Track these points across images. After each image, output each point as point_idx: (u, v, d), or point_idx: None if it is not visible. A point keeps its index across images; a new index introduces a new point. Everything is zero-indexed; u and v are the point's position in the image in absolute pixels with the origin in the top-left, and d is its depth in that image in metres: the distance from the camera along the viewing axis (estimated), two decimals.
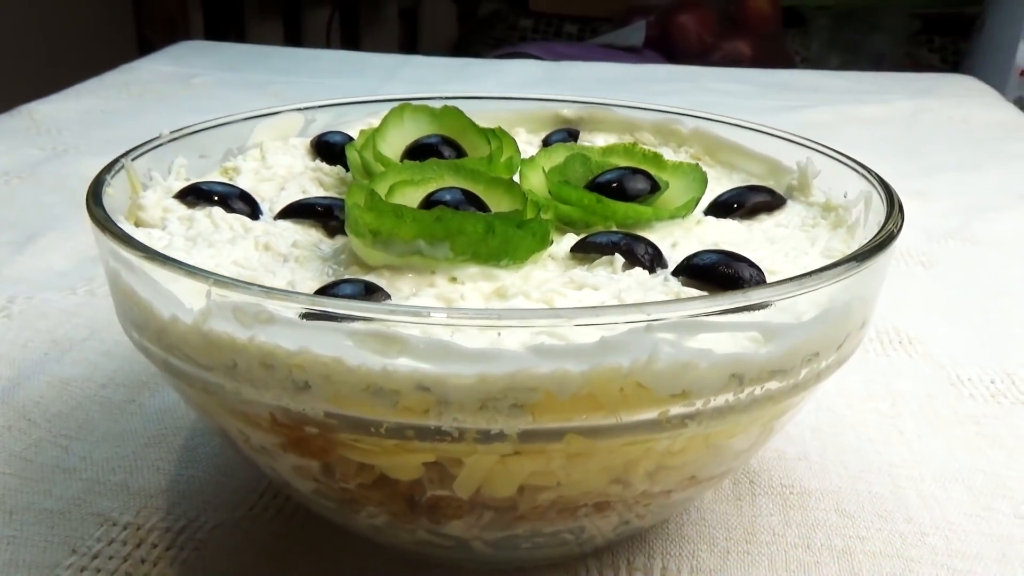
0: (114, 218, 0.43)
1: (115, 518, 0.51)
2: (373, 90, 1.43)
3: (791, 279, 0.37)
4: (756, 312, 0.36)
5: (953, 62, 2.87)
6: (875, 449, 0.59)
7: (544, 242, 0.45)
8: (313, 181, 0.57)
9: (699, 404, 0.37)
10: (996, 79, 2.16)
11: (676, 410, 0.36)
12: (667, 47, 2.67)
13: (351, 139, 0.61)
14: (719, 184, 0.58)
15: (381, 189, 0.47)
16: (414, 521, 0.42)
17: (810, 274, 0.37)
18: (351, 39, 3.25)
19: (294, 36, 3.22)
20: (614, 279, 0.43)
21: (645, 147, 0.57)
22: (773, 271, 0.45)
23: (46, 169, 1.07)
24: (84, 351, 0.68)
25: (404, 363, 0.34)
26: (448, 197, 0.47)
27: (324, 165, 0.59)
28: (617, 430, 0.36)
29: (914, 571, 0.49)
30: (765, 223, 0.53)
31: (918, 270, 0.86)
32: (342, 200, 0.51)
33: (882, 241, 0.41)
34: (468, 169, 0.51)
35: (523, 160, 0.55)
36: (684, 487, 0.43)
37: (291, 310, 0.35)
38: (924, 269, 0.86)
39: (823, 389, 0.44)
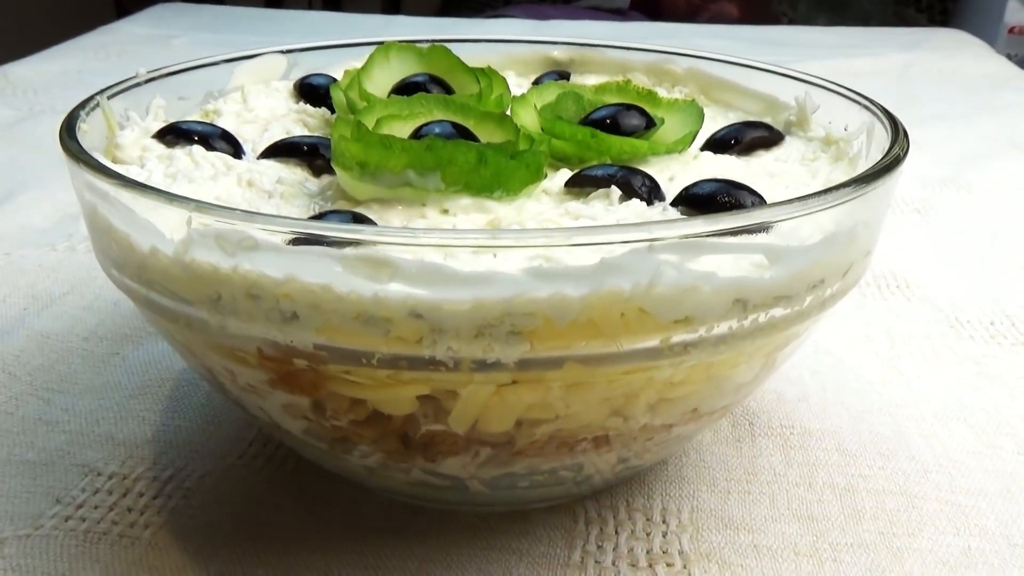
0: (88, 152, 0.41)
1: (100, 468, 0.49)
2: None
3: (796, 199, 0.35)
4: (761, 234, 0.35)
5: (941, 21, 2.85)
6: (875, 390, 0.58)
7: (538, 173, 0.43)
8: (297, 123, 0.55)
9: (702, 331, 0.35)
10: (985, 37, 2.14)
11: (678, 337, 0.35)
12: (653, 9, 2.63)
13: (336, 81, 0.59)
14: (715, 123, 0.57)
15: (368, 122, 0.45)
16: (409, 459, 0.40)
17: (816, 195, 0.36)
18: (333, 3, 3.20)
19: None
20: (611, 211, 0.42)
21: (638, 85, 0.56)
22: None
23: (22, 128, 1.05)
24: (65, 305, 0.66)
25: (396, 289, 0.33)
26: (438, 130, 0.45)
27: (308, 107, 0.58)
28: (617, 358, 0.35)
29: (918, 508, 0.48)
30: (764, 158, 0.52)
31: (914, 217, 0.85)
32: (327, 139, 0.49)
33: (889, 164, 0.40)
34: (458, 104, 0.49)
35: (514, 97, 0.53)
36: (685, 421, 0.42)
37: (277, 236, 0.33)
38: (920, 216, 0.85)
39: (822, 328, 0.43)
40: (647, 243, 0.33)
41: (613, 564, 0.44)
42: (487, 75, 0.55)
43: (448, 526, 0.46)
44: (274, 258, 0.33)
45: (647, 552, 0.45)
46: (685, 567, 0.44)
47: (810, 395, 0.57)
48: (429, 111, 0.48)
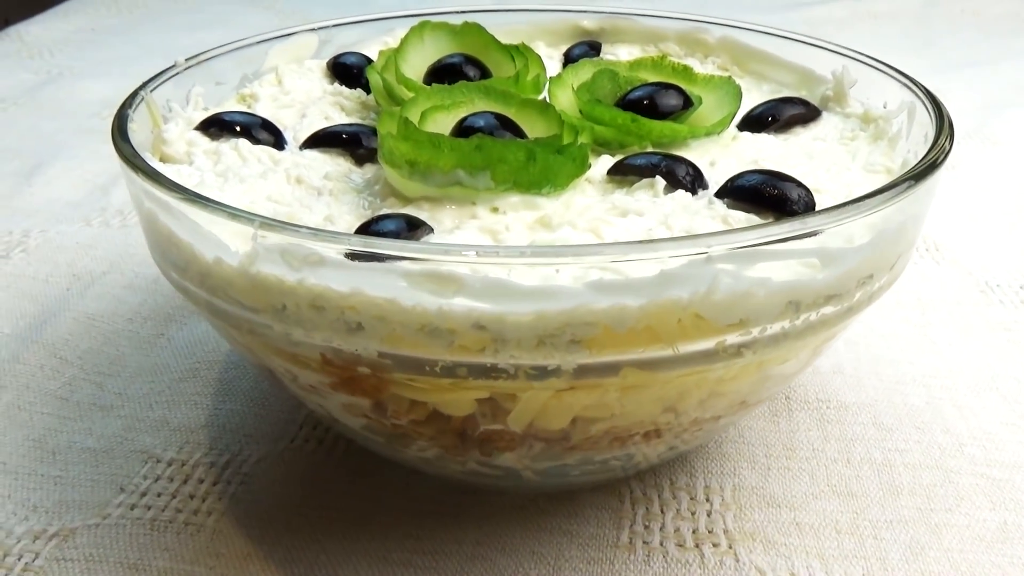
0: (141, 155, 0.41)
1: (159, 455, 0.51)
2: None
3: (849, 204, 0.36)
4: (814, 238, 0.35)
5: None
6: (908, 359, 0.59)
7: (583, 167, 0.44)
8: (334, 106, 0.56)
9: (756, 332, 0.36)
10: None
11: (733, 339, 0.36)
12: None
13: (367, 60, 0.59)
14: (749, 96, 0.57)
15: (413, 116, 0.46)
16: (465, 454, 0.42)
17: (867, 197, 0.36)
18: None
19: None
20: (657, 203, 0.42)
21: (674, 60, 0.56)
22: (818, 189, 0.44)
23: (43, 94, 1.05)
24: (106, 285, 0.67)
25: (460, 303, 0.34)
26: (482, 123, 0.45)
27: (344, 89, 0.58)
28: (674, 362, 0.36)
29: (954, 482, 0.49)
30: (802, 136, 0.52)
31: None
32: (367, 127, 0.50)
33: (936, 159, 0.40)
34: (498, 91, 0.49)
35: (551, 79, 0.53)
36: (733, 412, 0.43)
37: (341, 252, 0.34)
38: (946, 171, 0.85)
39: None
40: (705, 255, 0.33)
41: (661, 545, 0.45)
42: (522, 54, 0.55)
43: (499, 509, 0.48)
44: (339, 273, 0.34)
45: (693, 532, 0.46)
46: (731, 547, 0.45)
47: (844, 367, 0.58)
48: (471, 100, 0.48)
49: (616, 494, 0.49)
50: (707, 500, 0.48)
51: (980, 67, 1.13)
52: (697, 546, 0.45)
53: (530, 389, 0.37)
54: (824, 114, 0.54)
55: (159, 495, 0.48)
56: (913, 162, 0.42)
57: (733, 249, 0.34)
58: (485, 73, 0.55)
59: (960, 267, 0.69)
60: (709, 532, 0.46)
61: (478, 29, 0.57)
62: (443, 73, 0.54)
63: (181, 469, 0.50)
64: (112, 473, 0.50)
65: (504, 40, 0.57)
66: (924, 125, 0.46)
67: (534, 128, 0.47)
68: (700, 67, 0.61)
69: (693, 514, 0.47)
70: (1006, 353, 0.59)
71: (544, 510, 0.48)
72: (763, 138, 0.51)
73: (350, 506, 0.48)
